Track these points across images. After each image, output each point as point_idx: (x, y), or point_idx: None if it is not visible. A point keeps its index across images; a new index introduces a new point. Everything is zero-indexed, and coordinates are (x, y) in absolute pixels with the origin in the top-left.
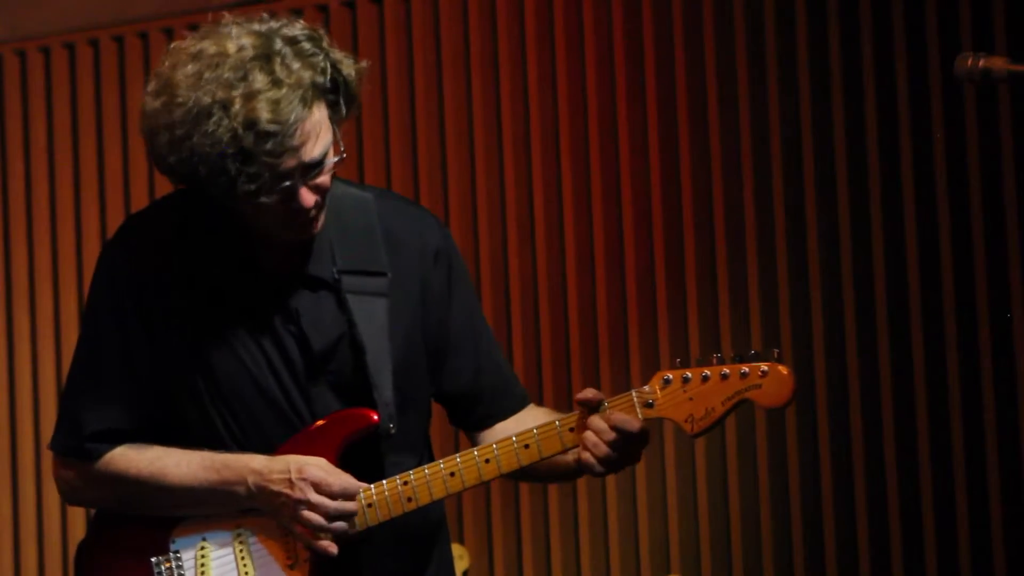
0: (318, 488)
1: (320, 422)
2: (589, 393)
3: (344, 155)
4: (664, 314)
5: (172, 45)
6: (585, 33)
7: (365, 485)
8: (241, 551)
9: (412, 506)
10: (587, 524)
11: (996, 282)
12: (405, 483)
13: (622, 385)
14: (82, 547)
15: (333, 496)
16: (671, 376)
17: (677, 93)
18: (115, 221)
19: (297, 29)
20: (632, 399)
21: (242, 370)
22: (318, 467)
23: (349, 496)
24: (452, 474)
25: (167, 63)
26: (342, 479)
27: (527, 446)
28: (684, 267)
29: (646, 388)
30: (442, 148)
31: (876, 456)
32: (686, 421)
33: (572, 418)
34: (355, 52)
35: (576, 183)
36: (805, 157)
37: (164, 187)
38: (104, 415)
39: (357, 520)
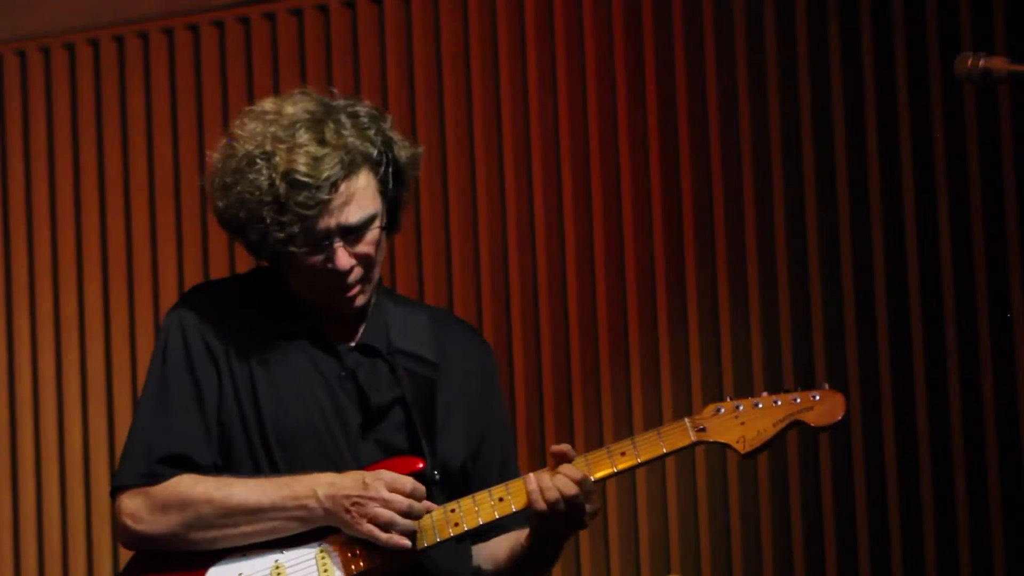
0: (391, 486)
1: (370, 467)
2: (564, 447)
3: (384, 228)
4: (664, 314)
5: (247, 108)
6: (585, 33)
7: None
8: None
9: (459, 530)
10: None
11: (996, 282)
12: (452, 510)
13: (621, 385)
14: None
15: (406, 494)
16: (724, 407)
17: (677, 93)
18: (115, 221)
19: (361, 106)
20: (685, 425)
21: (293, 418)
22: (389, 472)
23: (419, 496)
24: (500, 499)
25: (236, 123)
26: (413, 481)
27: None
28: (684, 267)
29: (698, 416)
30: (442, 148)
31: (876, 456)
32: (737, 442)
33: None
34: (355, 52)
35: (576, 183)
36: (805, 157)
37: (165, 188)
38: (175, 441)
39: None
